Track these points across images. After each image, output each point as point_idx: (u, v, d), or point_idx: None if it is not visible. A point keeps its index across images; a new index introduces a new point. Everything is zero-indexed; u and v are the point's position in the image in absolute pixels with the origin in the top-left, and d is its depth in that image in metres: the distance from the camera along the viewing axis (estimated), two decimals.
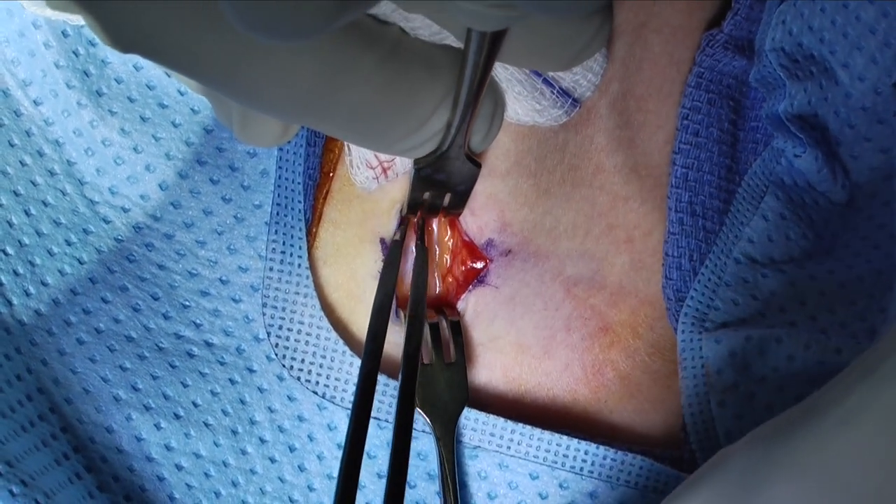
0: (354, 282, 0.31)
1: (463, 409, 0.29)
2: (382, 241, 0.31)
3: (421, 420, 0.29)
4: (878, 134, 0.31)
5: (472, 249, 0.31)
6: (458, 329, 0.30)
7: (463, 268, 0.31)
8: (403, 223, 0.31)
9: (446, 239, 0.32)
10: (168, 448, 0.29)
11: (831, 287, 0.31)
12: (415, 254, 0.30)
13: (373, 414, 0.29)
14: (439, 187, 0.29)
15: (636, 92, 0.31)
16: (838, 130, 0.32)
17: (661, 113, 0.31)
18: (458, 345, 0.30)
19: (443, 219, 0.31)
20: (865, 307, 0.30)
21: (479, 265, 0.31)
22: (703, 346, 0.30)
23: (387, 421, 0.29)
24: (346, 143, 0.30)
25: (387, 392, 0.29)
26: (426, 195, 0.29)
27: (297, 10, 0.17)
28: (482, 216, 0.31)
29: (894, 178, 0.30)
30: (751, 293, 0.31)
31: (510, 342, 0.31)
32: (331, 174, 0.31)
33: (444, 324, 0.30)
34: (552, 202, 0.31)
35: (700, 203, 0.32)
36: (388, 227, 0.31)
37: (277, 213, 0.30)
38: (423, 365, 0.29)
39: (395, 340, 0.30)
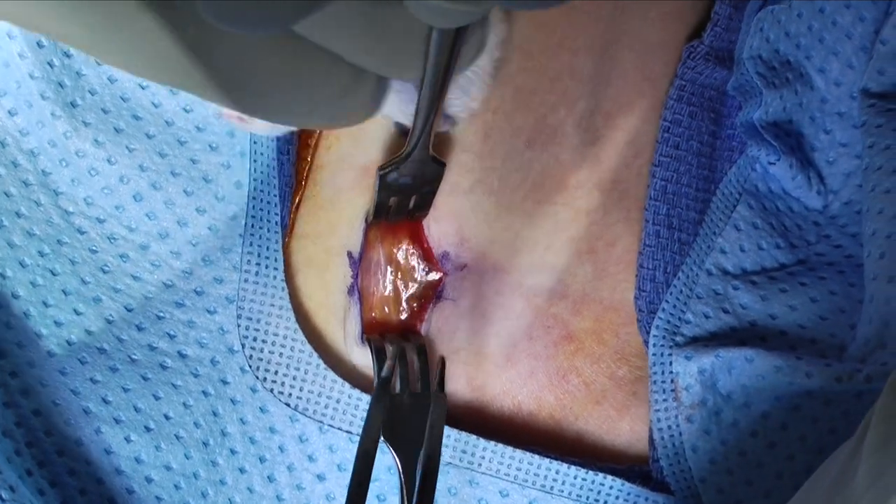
0: (326, 293, 0.31)
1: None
2: (350, 254, 0.31)
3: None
4: (854, 139, 0.31)
5: (430, 257, 0.31)
6: (425, 357, 0.30)
7: (423, 283, 0.31)
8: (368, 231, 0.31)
9: (408, 255, 0.32)
10: (138, 461, 0.29)
11: (802, 300, 0.31)
12: (432, 405, 0.29)
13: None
14: (405, 191, 0.29)
15: (604, 108, 0.31)
16: (813, 136, 0.31)
17: (631, 128, 0.31)
18: (424, 374, 0.30)
19: (406, 237, 0.31)
20: (836, 323, 0.30)
21: (435, 276, 0.31)
22: (672, 361, 0.30)
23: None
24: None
25: None
26: (391, 199, 0.29)
27: (267, 6, 0.17)
28: (443, 225, 0.31)
29: (865, 191, 0.29)
30: (721, 306, 0.31)
31: (472, 352, 0.31)
32: (303, 182, 0.31)
33: (410, 352, 0.30)
34: (512, 218, 0.31)
35: (677, 216, 0.32)
36: (355, 240, 0.31)
37: (252, 225, 0.30)
38: (391, 395, 0.29)
39: (366, 366, 0.31)
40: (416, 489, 0.27)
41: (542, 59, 0.30)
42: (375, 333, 0.31)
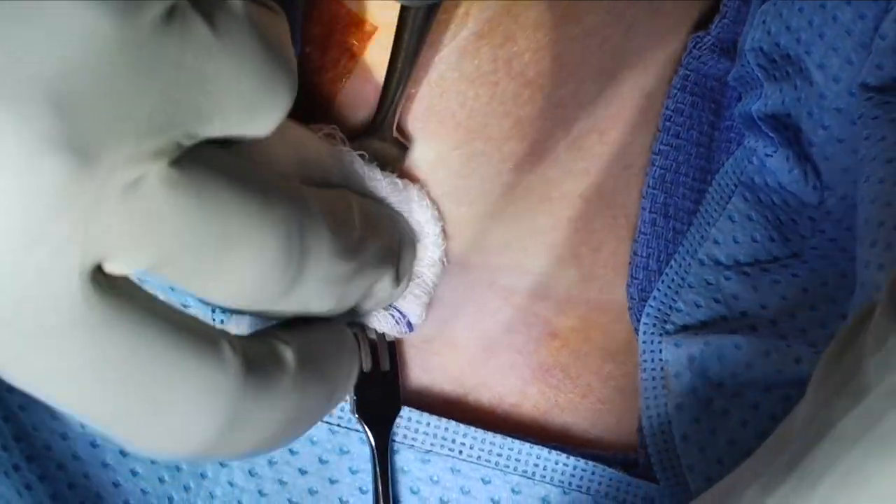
0: None
1: (395, 418, 0.29)
2: None
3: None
4: (851, 135, 0.31)
5: None
6: (392, 340, 0.30)
7: None
8: None
9: None
10: (123, 454, 0.29)
11: (793, 291, 0.31)
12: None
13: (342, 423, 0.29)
14: None
15: (600, 127, 0.30)
16: (811, 131, 0.31)
17: (623, 143, 0.31)
18: (391, 353, 0.30)
19: None
20: (826, 313, 0.30)
21: None
22: (662, 348, 0.30)
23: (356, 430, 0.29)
24: None
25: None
26: None
27: None
28: None
29: (860, 181, 0.30)
30: (713, 296, 0.31)
31: (443, 343, 0.31)
32: None
33: (378, 337, 0.30)
34: (484, 225, 0.30)
35: (674, 204, 0.32)
36: None
37: None
38: (361, 373, 0.29)
39: None
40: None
41: (551, 89, 0.29)
42: None
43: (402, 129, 0.28)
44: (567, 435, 0.31)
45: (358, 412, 0.29)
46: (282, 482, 0.29)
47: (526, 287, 0.31)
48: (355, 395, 0.29)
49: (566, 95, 0.29)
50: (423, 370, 0.31)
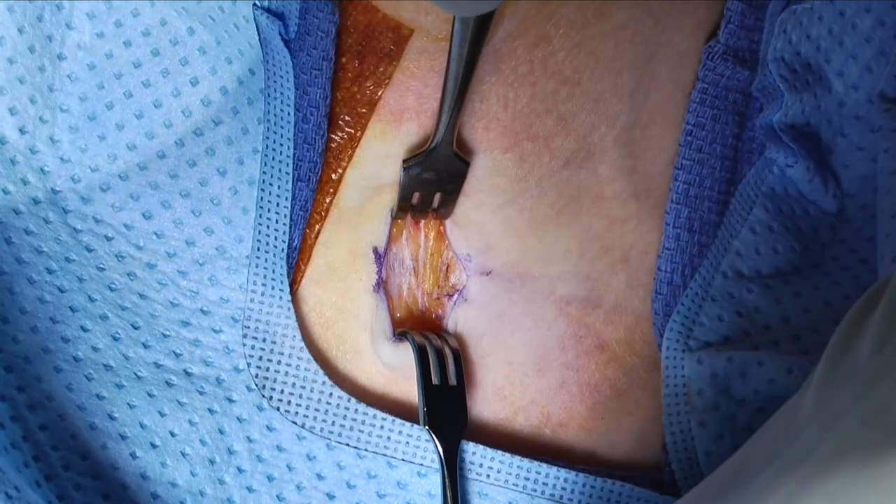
0: (349, 298, 0.31)
1: (463, 431, 0.29)
2: (375, 250, 0.31)
3: (401, 449, 0.29)
4: (871, 143, 0.31)
5: (451, 258, 0.32)
6: (459, 355, 0.31)
7: (443, 282, 0.32)
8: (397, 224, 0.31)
9: (432, 253, 0.32)
10: (144, 477, 0.29)
11: (816, 305, 0.30)
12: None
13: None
14: (428, 186, 0.29)
15: (642, 121, 0.31)
16: (831, 139, 0.31)
17: (665, 137, 0.32)
18: (458, 370, 0.30)
19: (430, 234, 0.32)
20: None
21: (455, 277, 0.32)
22: (685, 364, 0.30)
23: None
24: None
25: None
26: (416, 196, 0.30)
27: None
28: (467, 230, 0.31)
29: (880, 193, 0.29)
30: (736, 309, 0.31)
31: (500, 360, 0.31)
32: (327, 198, 0.31)
33: (447, 352, 0.30)
34: (545, 230, 0.31)
35: (698, 219, 0.32)
36: (381, 235, 0.31)
37: (258, 248, 0.30)
38: (430, 386, 0.30)
39: (396, 363, 0.30)
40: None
41: (589, 84, 0.30)
42: (403, 329, 0.31)
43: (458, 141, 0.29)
44: (610, 454, 0.31)
45: (428, 424, 0.29)
46: None
47: (581, 295, 0.31)
48: (425, 407, 0.29)
49: (605, 89, 0.30)
50: (474, 386, 0.31)
